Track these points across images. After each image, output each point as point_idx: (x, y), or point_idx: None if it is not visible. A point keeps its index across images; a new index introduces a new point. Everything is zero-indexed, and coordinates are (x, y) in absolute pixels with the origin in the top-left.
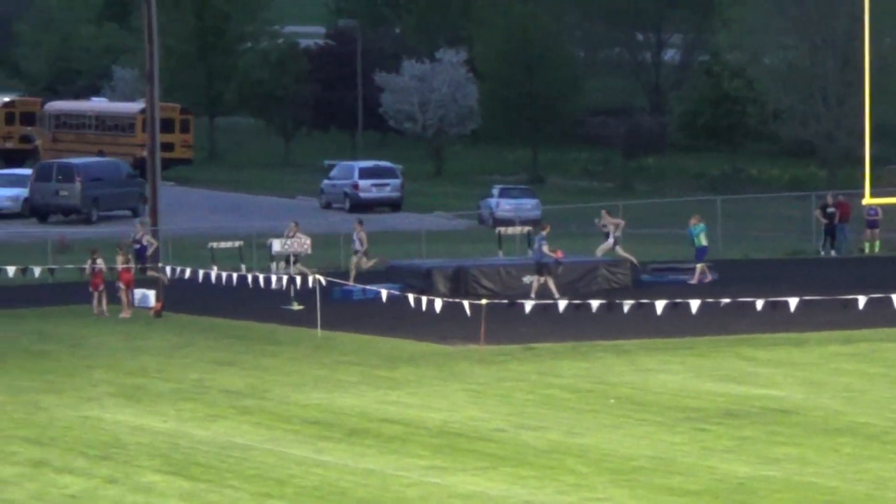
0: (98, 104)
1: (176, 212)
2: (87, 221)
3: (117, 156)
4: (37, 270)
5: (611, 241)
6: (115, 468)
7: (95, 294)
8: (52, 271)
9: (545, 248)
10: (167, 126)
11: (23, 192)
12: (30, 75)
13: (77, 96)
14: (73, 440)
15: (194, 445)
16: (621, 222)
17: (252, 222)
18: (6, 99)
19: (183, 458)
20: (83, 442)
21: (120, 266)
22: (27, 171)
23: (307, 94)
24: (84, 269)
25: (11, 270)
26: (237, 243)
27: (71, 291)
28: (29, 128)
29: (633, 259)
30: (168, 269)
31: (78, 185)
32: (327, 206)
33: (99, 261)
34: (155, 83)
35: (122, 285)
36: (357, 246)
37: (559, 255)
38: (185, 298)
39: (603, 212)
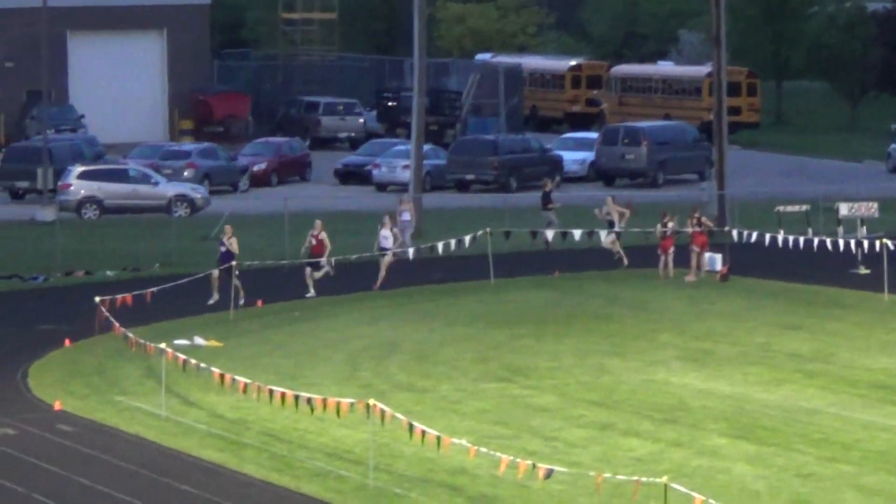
0: (664, 68)
1: (742, 175)
2: (654, 185)
3: (683, 119)
4: (603, 234)
5: (616, 230)
6: (681, 431)
7: (663, 257)
8: (618, 235)
9: None
10: (734, 90)
11: (589, 155)
12: (596, 39)
13: (642, 60)
14: (638, 403)
15: (760, 409)
16: (627, 212)
17: (819, 186)
18: (573, 62)
19: (749, 422)
20: (649, 405)
21: (691, 228)
22: (593, 135)
23: (875, 58)
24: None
25: (578, 234)
26: (804, 207)
27: (637, 255)
28: (595, 91)
29: (625, 258)
30: (735, 232)
31: (644, 149)
32: (894, 170)
33: (670, 224)
34: (722, 47)
35: (695, 248)
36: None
37: None
38: (751, 262)
39: (608, 199)
